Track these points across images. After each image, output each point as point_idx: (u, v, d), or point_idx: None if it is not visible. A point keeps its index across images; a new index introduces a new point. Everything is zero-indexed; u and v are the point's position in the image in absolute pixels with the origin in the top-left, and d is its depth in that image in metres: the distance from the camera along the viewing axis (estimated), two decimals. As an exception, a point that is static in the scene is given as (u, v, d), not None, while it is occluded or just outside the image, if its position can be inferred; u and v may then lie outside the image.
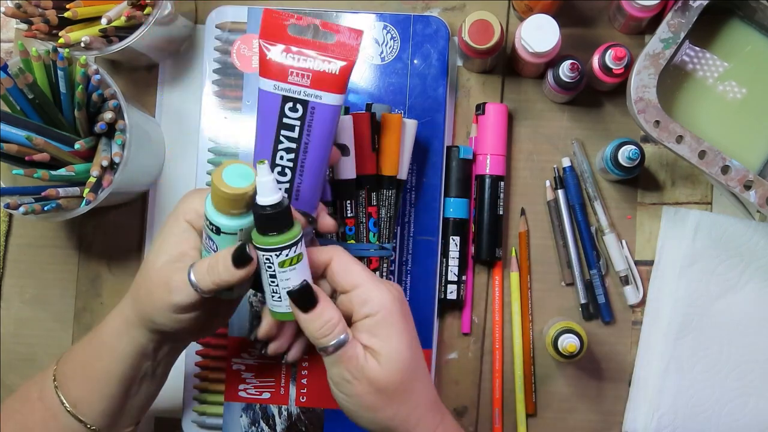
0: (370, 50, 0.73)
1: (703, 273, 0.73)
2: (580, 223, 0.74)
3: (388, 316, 0.53)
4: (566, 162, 0.74)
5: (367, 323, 0.53)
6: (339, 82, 0.54)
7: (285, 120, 0.54)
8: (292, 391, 0.73)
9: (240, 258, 0.51)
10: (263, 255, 0.52)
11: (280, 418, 0.73)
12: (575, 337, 0.68)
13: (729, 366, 0.72)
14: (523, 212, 0.75)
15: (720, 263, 0.73)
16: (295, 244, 0.51)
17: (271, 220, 0.50)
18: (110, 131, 0.68)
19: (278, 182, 0.55)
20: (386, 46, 0.73)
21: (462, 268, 0.73)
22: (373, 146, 0.67)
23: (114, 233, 0.77)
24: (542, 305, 0.75)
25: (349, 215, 0.67)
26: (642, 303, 0.74)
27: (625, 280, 0.73)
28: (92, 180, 0.65)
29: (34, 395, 0.61)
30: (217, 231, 0.52)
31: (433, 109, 0.73)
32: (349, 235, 0.68)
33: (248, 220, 0.52)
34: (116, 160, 0.67)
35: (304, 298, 0.52)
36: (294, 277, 0.52)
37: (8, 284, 0.78)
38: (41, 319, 0.78)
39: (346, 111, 0.69)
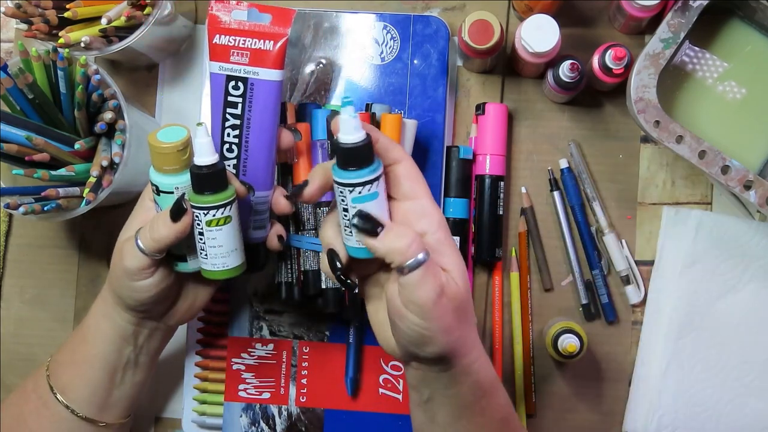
0: (370, 50, 0.73)
1: (703, 273, 0.73)
2: (580, 224, 0.74)
3: (447, 234, 0.52)
4: (564, 163, 0.74)
5: (430, 241, 0.51)
6: (275, 59, 0.58)
7: (229, 98, 0.59)
8: (292, 391, 0.73)
9: (176, 211, 0.54)
10: (195, 213, 0.55)
11: (280, 418, 0.73)
12: (575, 337, 0.68)
13: (729, 366, 0.72)
14: (523, 212, 0.75)
15: (720, 263, 0.73)
16: (225, 206, 0.54)
17: (206, 179, 0.54)
18: (110, 131, 0.68)
19: (226, 158, 0.59)
20: (386, 46, 0.73)
21: (462, 268, 0.73)
22: (373, 146, 0.67)
23: (114, 233, 0.76)
24: (542, 305, 0.75)
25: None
26: (643, 303, 0.74)
27: (626, 280, 0.73)
28: (92, 180, 0.65)
29: (30, 387, 0.63)
30: (157, 191, 0.56)
31: (433, 109, 0.73)
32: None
33: (183, 179, 0.55)
34: (116, 160, 0.67)
35: (368, 221, 0.50)
36: (219, 237, 0.55)
37: (8, 284, 0.78)
38: (41, 319, 0.78)
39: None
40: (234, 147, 0.59)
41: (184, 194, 0.55)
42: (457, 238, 0.73)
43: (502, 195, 0.73)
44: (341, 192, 0.51)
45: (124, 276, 0.57)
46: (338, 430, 0.72)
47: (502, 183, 0.73)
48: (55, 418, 0.61)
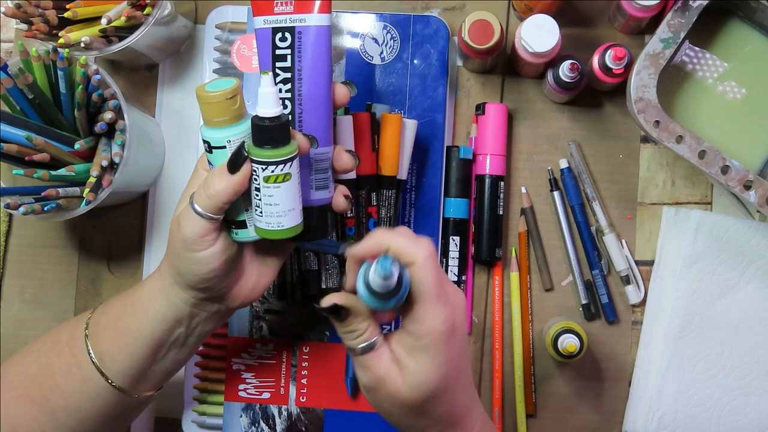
0: (370, 50, 0.73)
1: (703, 273, 0.73)
2: (580, 224, 0.74)
3: (432, 345, 0.50)
4: (564, 163, 0.74)
5: (407, 341, 0.51)
6: (321, 3, 0.55)
7: (277, 51, 0.56)
8: (292, 391, 0.73)
9: (235, 159, 0.51)
10: (253, 167, 0.52)
11: (280, 418, 0.73)
12: (575, 337, 0.68)
13: (729, 366, 0.72)
14: (523, 212, 0.75)
15: (720, 263, 0.73)
16: (285, 162, 0.51)
17: (267, 132, 0.50)
18: (110, 131, 0.68)
19: None
20: (386, 46, 0.73)
21: (462, 268, 0.73)
22: (373, 146, 0.67)
23: (114, 233, 0.77)
24: (542, 305, 0.75)
25: (349, 215, 0.67)
26: (643, 303, 0.74)
27: (626, 280, 0.73)
28: (92, 180, 0.65)
29: (65, 339, 0.60)
30: (209, 148, 0.53)
31: (433, 109, 0.73)
32: (349, 236, 0.68)
33: (235, 131, 0.52)
34: (116, 160, 0.67)
35: (336, 312, 0.52)
36: (277, 195, 0.52)
37: (8, 284, 0.78)
38: (41, 319, 0.78)
39: (346, 111, 0.69)
40: (287, 102, 0.56)
41: (243, 143, 0.52)
42: (457, 238, 0.73)
43: (502, 195, 0.73)
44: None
45: (183, 247, 0.53)
46: (338, 430, 0.72)
47: (502, 183, 0.73)
48: (86, 380, 0.58)
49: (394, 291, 0.49)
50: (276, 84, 0.55)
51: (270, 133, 0.50)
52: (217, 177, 0.51)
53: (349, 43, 0.73)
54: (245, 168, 0.51)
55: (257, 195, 0.52)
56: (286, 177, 0.51)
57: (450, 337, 0.51)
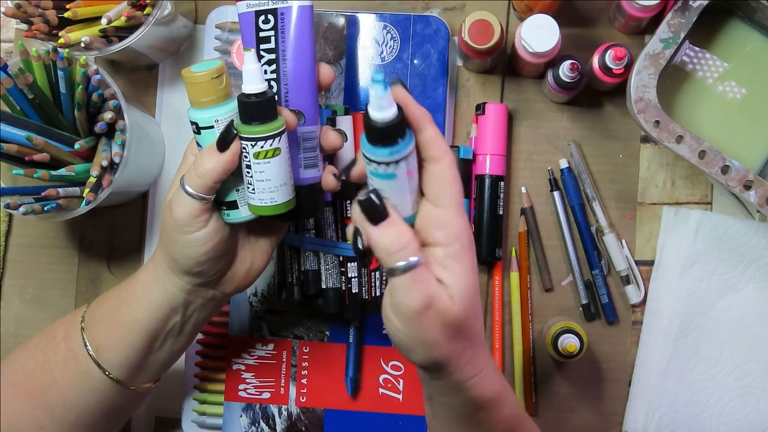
0: (370, 50, 0.73)
1: (703, 273, 0.73)
2: (580, 224, 0.74)
3: (462, 250, 0.48)
4: (564, 163, 0.74)
5: (438, 253, 0.48)
6: None
7: (261, 34, 0.56)
8: (292, 391, 0.73)
9: (224, 138, 0.51)
10: (242, 144, 0.52)
11: (280, 418, 0.73)
12: (575, 337, 0.68)
13: (729, 366, 0.72)
14: (523, 212, 0.75)
15: (721, 263, 0.73)
16: (274, 137, 0.51)
17: (254, 108, 0.51)
18: (110, 131, 0.68)
19: None
20: (386, 46, 0.73)
21: (462, 268, 0.73)
22: (373, 146, 0.67)
23: (114, 233, 0.77)
24: (542, 305, 0.75)
25: (349, 215, 0.67)
26: (643, 303, 0.74)
27: (627, 280, 0.73)
28: (92, 180, 0.65)
29: (60, 334, 0.60)
30: (197, 129, 0.53)
31: (433, 109, 0.73)
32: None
33: (222, 111, 0.53)
34: (116, 160, 0.67)
35: (372, 208, 0.47)
36: (268, 170, 0.52)
37: (8, 284, 0.78)
38: (41, 319, 0.78)
39: (346, 111, 0.69)
40: (273, 83, 0.57)
41: (232, 121, 0.52)
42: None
43: (502, 195, 0.73)
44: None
45: (175, 230, 0.53)
46: (338, 430, 0.72)
47: (502, 183, 0.73)
48: (83, 373, 0.58)
49: (397, 130, 0.47)
50: (261, 65, 0.56)
51: (257, 109, 0.51)
52: (207, 156, 0.51)
53: (349, 43, 0.73)
54: (234, 145, 0.51)
55: (248, 172, 0.53)
56: (275, 152, 0.52)
57: (472, 242, 0.49)
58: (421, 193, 0.50)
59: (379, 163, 0.47)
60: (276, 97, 0.55)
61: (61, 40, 0.65)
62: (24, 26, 0.67)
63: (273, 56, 0.56)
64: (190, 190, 0.52)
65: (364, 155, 0.48)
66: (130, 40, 0.67)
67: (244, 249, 0.59)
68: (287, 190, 0.54)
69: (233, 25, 0.75)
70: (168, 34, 0.74)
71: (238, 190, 0.55)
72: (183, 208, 0.53)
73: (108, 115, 0.66)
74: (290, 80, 0.57)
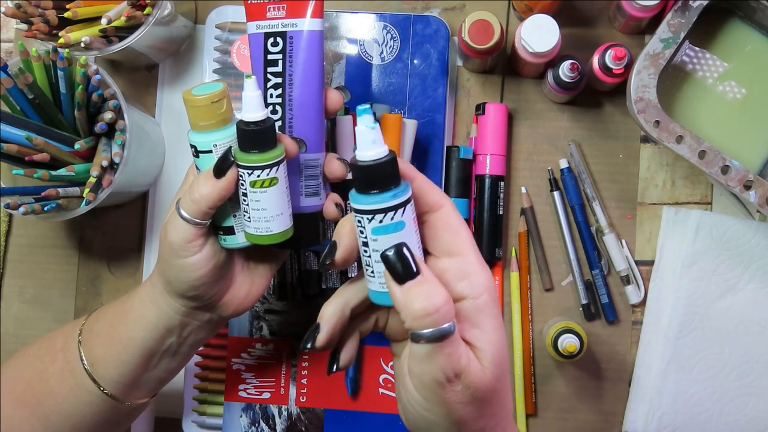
0: (370, 50, 0.73)
1: (703, 273, 0.73)
2: (580, 224, 0.74)
3: (491, 302, 0.42)
4: (564, 163, 0.74)
5: (467, 307, 0.42)
6: (313, 7, 0.55)
7: (269, 57, 0.55)
8: (292, 391, 0.73)
9: (221, 164, 0.50)
10: (239, 172, 0.50)
11: (280, 418, 0.73)
12: (575, 337, 0.68)
13: (729, 366, 0.72)
14: (523, 212, 0.75)
15: (720, 263, 0.73)
16: (271, 167, 0.50)
17: (253, 136, 0.49)
18: (110, 131, 0.68)
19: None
20: (386, 46, 0.73)
21: (462, 268, 0.73)
22: (373, 146, 0.67)
23: (114, 233, 0.77)
24: (542, 305, 0.75)
25: (348, 212, 0.67)
26: (643, 303, 0.74)
27: (627, 280, 0.73)
28: (92, 180, 0.65)
29: (59, 345, 0.60)
30: (196, 153, 0.52)
31: (433, 109, 0.73)
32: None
33: (221, 136, 0.51)
34: (116, 160, 0.67)
35: (402, 263, 0.41)
36: (264, 200, 0.50)
37: (8, 284, 0.78)
38: (41, 319, 0.78)
39: (346, 111, 0.69)
40: (278, 108, 0.55)
41: (230, 147, 0.51)
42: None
43: (502, 195, 0.73)
44: (359, 221, 0.43)
45: (170, 254, 0.52)
46: (338, 430, 0.72)
47: (502, 183, 0.73)
48: (79, 386, 0.58)
49: (395, 168, 0.42)
50: (267, 88, 0.55)
51: (255, 137, 0.49)
52: (203, 181, 0.50)
53: (348, 43, 0.73)
54: (231, 173, 0.50)
55: (245, 200, 0.52)
56: (272, 182, 0.50)
57: (497, 295, 0.44)
58: (425, 251, 0.45)
59: (385, 213, 0.42)
60: (280, 122, 0.55)
61: (61, 40, 0.65)
62: (24, 26, 0.67)
63: (279, 80, 0.55)
64: (184, 214, 0.51)
65: (358, 212, 0.43)
66: (130, 40, 0.67)
67: (243, 274, 0.58)
68: (284, 219, 0.52)
69: (233, 25, 0.75)
70: (168, 34, 0.74)
71: (235, 216, 0.54)
72: (177, 232, 0.52)
73: (108, 115, 0.66)
74: (296, 106, 0.55)
